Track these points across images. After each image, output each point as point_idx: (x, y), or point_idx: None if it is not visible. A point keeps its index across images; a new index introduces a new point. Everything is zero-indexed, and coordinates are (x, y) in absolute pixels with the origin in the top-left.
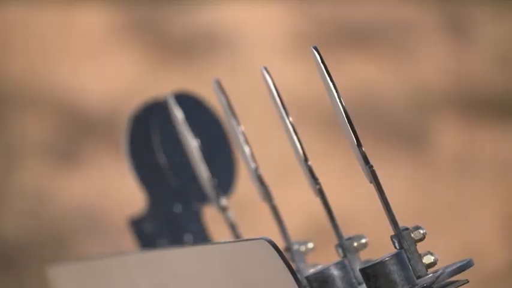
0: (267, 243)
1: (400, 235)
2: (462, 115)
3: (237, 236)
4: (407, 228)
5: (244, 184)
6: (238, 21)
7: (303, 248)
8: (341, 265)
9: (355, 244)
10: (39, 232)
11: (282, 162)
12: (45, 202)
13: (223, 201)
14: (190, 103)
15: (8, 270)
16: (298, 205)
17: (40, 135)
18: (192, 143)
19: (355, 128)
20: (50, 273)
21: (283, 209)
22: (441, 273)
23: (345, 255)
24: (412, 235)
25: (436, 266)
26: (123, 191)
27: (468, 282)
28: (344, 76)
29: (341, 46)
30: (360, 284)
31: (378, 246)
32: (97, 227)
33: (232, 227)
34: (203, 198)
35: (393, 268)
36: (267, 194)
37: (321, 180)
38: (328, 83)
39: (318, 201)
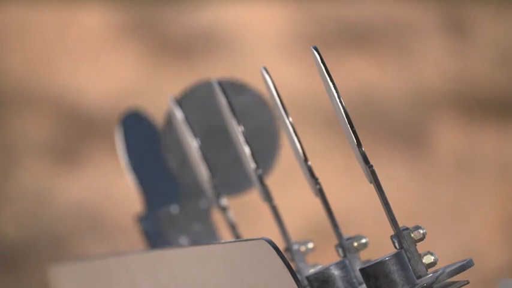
0: (266, 243)
1: (400, 235)
2: (462, 115)
3: (237, 236)
4: (407, 228)
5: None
6: (238, 21)
7: (303, 248)
8: (341, 265)
9: (355, 244)
10: (39, 232)
11: (282, 162)
12: (45, 202)
13: (224, 201)
14: (232, 89)
15: (8, 270)
16: (298, 205)
17: (40, 136)
18: (193, 143)
19: (355, 128)
20: (50, 273)
21: (283, 209)
22: (441, 273)
23: (345, 255)
24: (412, 235)
25: (436, 266)
26: (123, 191)
27: (468, 282)
28: (344, 76)
29: (341, 46)
30: (360, 284)
31: (378, 246)
32: (97, 227)
33: (232, 227)
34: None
35: (393, 268)
36: (267, 194)
37: (321, 180)
38: (328, 83)
39: (318, 201)
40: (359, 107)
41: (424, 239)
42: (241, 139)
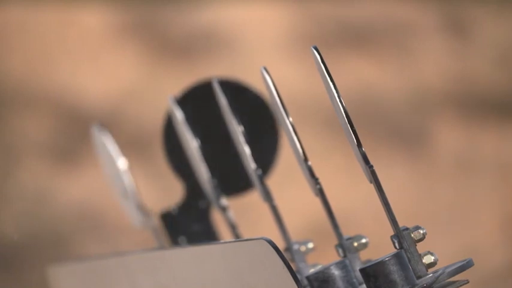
0: (266, 243)
1: (400, 235)
2: (462, 115)
3: (237, 236)
4: (407, 228)
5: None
6: (237, 21)
7: (303, 248)
8: (341, 265)
9: (356, 244)
10: (38, 232)
11: (282, 162)
12: (45, 202)
13: (223, 201)
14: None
15: (8, 270)
16: (298, 205)
17: (40, 136)
18: (193, 143)
19: (355, 128)
20: (49, 273)
21: (283, 209)
22: (441, 273)
23: (345, 255)
24: (412, 235)
25: (436, 266)
26: None
27: (468, 282)
28: (344, 76)
29: (341, 46)
30: (360, 283)
31: (378, 246)
32: (97, 227)
33: (232, 227)
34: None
35: (393, 268)
36: (267, 194)
37: (321, 180)
38: (329, 83)
39: (318, 201)
40: (359, 107)
41: (424, 239)
42: (241, 139)
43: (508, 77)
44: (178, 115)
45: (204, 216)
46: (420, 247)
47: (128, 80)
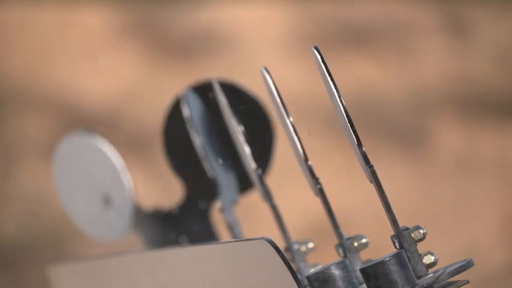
0: (267, 243)
1: (401, 235)
2: (462, 115)
3: (234, 236)
4: (407, 228)
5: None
6: (237, 21)
7: (303, 248)
8: (342, 265)
9: (356, 244)
10: (39, 232)
11: (282, 162)
12: (45, 202)
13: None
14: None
15: (8, 270)
16: (298, 205)
17: (40, 136)
18: (197, 139)
19: (356, 128)
20: (50, 273)
21: (283, 208)
22: (441, 273)
23: (345, 255)
24: (413, 235)
25: (436, 266)
26: None
27: (468, 282)
28: (344, 76)
29: (341, 46)
30: (360, 283)
31: (378, 246)
32: None
33: (230, 227)
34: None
35: (393, 268)
36: (267, 194)
37: (321, 180)
38: (329, 83)
39: (318, 201)
40: (359, 107)
41: (425, 239)
42: (241, 139)
43: (508, 77)
44: (186, 112)
45: (204, 216)
46: (420, 247)
47: (128, 80)
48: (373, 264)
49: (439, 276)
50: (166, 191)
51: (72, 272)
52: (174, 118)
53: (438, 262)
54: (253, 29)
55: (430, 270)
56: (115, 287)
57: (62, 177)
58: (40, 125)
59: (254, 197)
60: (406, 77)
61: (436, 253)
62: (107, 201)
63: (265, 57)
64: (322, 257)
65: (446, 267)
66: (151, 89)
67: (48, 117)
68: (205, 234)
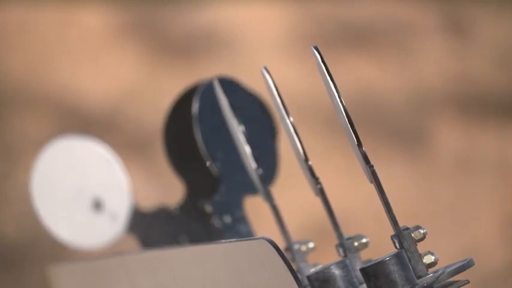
0: (267, 242)
1: (401, 235)
2: (462, 115)
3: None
4: (407, 228)
5: None
6: (237, 21)
7: (303, 248)
8: (342, 265)
9: (356, 244)
10: (39, 232)
11: (282, 162)
12: None
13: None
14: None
15: (8, 270)
16: (298, 205)
17: (40, 136)
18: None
19: (356, 128)
20: (50, 273)
21: (283, 208)
22: (441, 273)
23: (345, 255)
24: (413, 235)
25: (436, 265)
26: None
27: (469, 282)
28: (344, 76)
29: (341, 46)
30: (360, 283)
31: (378, 246)
32: None
33: (226, 228)
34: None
35: (393, 268)
36: (267, 194)
37: (321, 180)
38: (329, 83)
39: (318, 201)
40: (359, 107)
41: (425, 239)
42: (241, 139)
43: (508, 77)
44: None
45: (204, 216)
46: (420, 247)
47: (128, 80)
48: (373, 264)
49: (439, 276)
50: (167, 191)
51: (72, 272)
52: (177, 116)
53: (438, 262)
54: (253, 29)
55: (430, 270)
56: (115, 287)
57: (41, 187)
58: (40, 125)
59: (254, 196)
60: (406, 77)
61: (436, 253)
62: (97, 205)
63: (265, 57)
64: (323, 257)
65: (446, 267)
66: (151, 89)
67: (48, 117)
68: (206, 234)
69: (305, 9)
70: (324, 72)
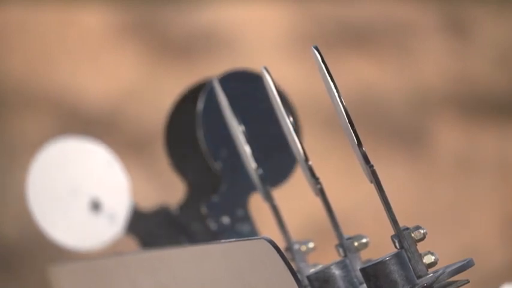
0: (267, 242)
1: (401, 235)
2: (462, 115)
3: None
4: (407, 228)
5: None
6: (238, 21)
7: (303, 248)
8: (342, 264)
9: (356, 244)
10: (39, 232)
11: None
12: None
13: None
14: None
15: (8, 270)
16: (298, 205)
17: (39, 135)
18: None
19: (356, 128)
20: (50, 273)
21: (283, 208)
22: (442, 273)
23: (345, 255)
24: (413, 235)
25: (436, 265)
26: None
27: (469, 282)
28: (344, 76)
29: (341, 46)
30: (361, 283)
31: (378, 246)
32: None
33: (225, 229)
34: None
35: (394, 268)
36: (267, 194)
37: (321, 180)
38: (329, 83)
39: (318, 200)
40: (359, 107)
41: (425, 239)
42: (241, 139)
43: (508, 77)
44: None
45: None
46: (420, 247)
47: (128, 80)
48: (373, 264)
49: (439, 276)
50: (167, 191)
51: (72, 272)
52: (178, 115)
53: (438, 262)
54: (253, 29)
55: (430, 270)
56: (115, 287)
57: (37, 189)
58: (40, 125)
59: (254, 196)
60: (406, 77)
61: (436, 253)
62: (95, 206)
63: (265, 57)
64: (323, 257)
65: (446, 267)
66: (151, 89)
67: (48, 117)
68: (206, 233)
69: (305, 9)
70: (324, 72)
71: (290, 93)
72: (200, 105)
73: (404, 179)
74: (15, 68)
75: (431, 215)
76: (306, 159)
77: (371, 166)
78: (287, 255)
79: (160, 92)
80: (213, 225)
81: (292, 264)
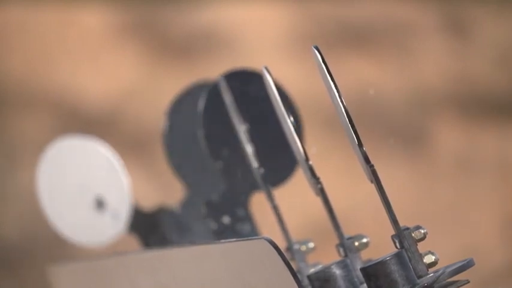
0: (267, 242)
1: (401, 235)
2: (462, 115)
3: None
4: (408, 228)
5: None
6: (238, 21)
7: (303, 248)
8: (342, 264)
9: (356, 244)
10: (39, 232)
11: None
12: None
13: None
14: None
15: (8, 270)
16: (298, 205)
17: (40, 135)
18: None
19: (356, 128)
20: (50, 274)
21: (283, 208)
22: (442, 273)
23: (346, 255)
24: (413, 235)
25: (436, 265)
26: None
27: (469, 282)
28: (344, 76)
29: (341, 46)
30: (361, 283)
31: (379, 246)
32: None
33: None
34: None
35: (394, 268)
36: (268, 194)
37: (322, 179)
38: (329, 83)
39: (318, 200)
40: (359, 107)
41: (425, 239)
42: (243, 138)
43: (508, 77)
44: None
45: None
46: (421, 247)
47: (128, 80)
48: (373, 264)
49: (439, 276)
50: (167, 191)
51: (72, 272)
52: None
53: (438, 262)
54: (253, 29)
55: (430, 270)
56: (115, 287)
57: (46, 185)
58: (40, 125)
59: (255, 196)
60: (406, 77)
61: (436, 253)
62: (100, 204)
63: (265, 57)
64: (323, 257)
65: (446, 267)
66: (151, 89)
67: (48, 117)
68: (207, 233)
69: (305, 9)
70: (324, 72)
71: (290, 93)
72: (201, 105)
73: (404, 179)
74: (15, 68)
75: (431, 215)
76: (306, 159)
77: (371, 166)
78: (287, 255)
79: (160, 92)
80: (213, 225)
81: (292, 264)
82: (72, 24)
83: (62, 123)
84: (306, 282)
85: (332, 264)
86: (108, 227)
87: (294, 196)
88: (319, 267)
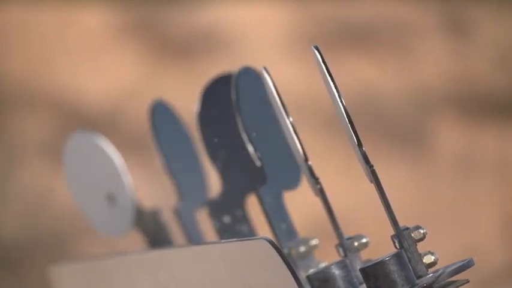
0: (267, 242)
1: (401, 235)
2: (462, 115)
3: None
4: (407, 228)
5: None
6: (238, 21)
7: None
8: (342, 264)
9: (356, 244)
10: (39, 232)
11: None
12: (45, 202)
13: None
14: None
15: (9, 270)
16: (298, 205)
17: (40, 135)
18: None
19: (356, 128)
20: (50, 274)
21: None
22: (441, 273)
23: (345, 255)
24: (413, 235)
25: (436, 265)
26: None
27: (468, 282)
28: (344, 76)
29: (341, 46)
30: (360, 283)
31: (378, 246)
32: None
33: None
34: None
35: (393, 268)
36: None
37: (321, 180)
38: (329, 83)
39: (318, 200)
40: (359, 107)
41: (425, 239)
42: (244, 137)
43: (508, 77)
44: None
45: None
46: (420, 247)
47: (128, 80)
48: (373, 264)
49: (439, 276)
50: (166, 191)
51: (72, 272)
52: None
53: (438, 262)
54: (253, 29)
55: (430, 270)
56: (115, 287)
57: (72, 175)
58: (40, 125)
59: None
60: (406, 77)
61: (436, 253)
62: (110, 199)
63: (265, 57)
64: (323, 257)
65: (446, 267)
66: (151, 89)
67: (48, 117)
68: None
69: (305, 9)
70: (324, 72)
71: (290, 93)
72: (198, 105)
73: (404, 179)
74: (15, 68)
75: (431, 215)
76: (306, 159)
77: (371, 166)
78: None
79: (160, 92)
80: (215, 225)
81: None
82: (72, 24)
83: (62, 123)
84: (306, 282)
85: (331, 265)
86: (118, 222)
87: (294, 196)
88: (319, 267)
